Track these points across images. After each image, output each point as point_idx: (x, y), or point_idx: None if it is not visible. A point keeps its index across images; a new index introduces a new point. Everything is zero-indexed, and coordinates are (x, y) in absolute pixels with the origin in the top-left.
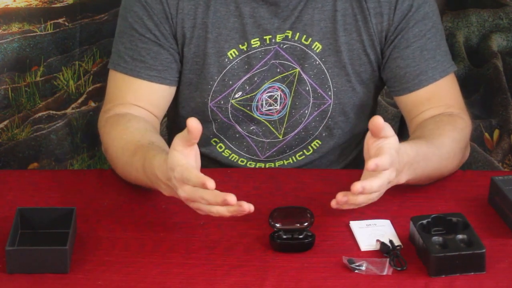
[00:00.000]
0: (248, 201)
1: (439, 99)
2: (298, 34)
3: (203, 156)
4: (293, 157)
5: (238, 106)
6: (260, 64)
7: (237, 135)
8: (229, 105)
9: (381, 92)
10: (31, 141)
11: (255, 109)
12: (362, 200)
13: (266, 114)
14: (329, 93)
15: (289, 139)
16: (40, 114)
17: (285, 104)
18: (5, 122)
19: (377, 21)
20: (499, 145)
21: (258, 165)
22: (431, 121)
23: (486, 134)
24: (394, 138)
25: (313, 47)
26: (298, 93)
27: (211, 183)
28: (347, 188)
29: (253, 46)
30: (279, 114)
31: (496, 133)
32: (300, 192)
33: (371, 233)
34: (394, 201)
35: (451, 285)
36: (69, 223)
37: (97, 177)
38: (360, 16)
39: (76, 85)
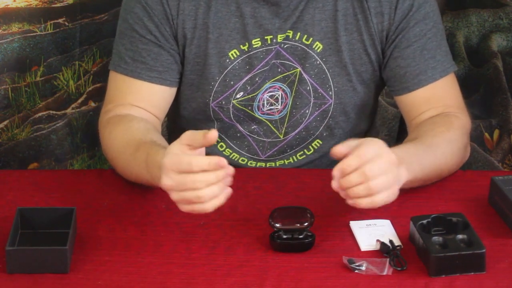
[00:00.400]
0: (249, 201)
1: (438, 99)
2: (299, 34)
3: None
4: (294, 156)
5: (239, 106)
6: (261, 64)
7: (238, 135)
8: (231, 105)
9: (381, 92)
10: (31, 141)
11: (256, 109)
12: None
13: (267, 114)
14: (330, 93)
15: (290, 139)
16: (40, 114)
17: (286, 104)
18: (5, 122)
19: (378, 20)
20: (499, 145)
21: (258, 164)
22: (426, 123)
23: (486, 134)
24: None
25: (314, 47)
26: (299, 93)
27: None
28: None
29: (254, 46)
30: (280, 114)
31: (496, 133)
32: (300, 192)
33: (371, 233)
34: (394, 201)
35: (451, 285)
36: (69, 223)
37: (97, 177)
38: (361, 16)
39: (76, 85)
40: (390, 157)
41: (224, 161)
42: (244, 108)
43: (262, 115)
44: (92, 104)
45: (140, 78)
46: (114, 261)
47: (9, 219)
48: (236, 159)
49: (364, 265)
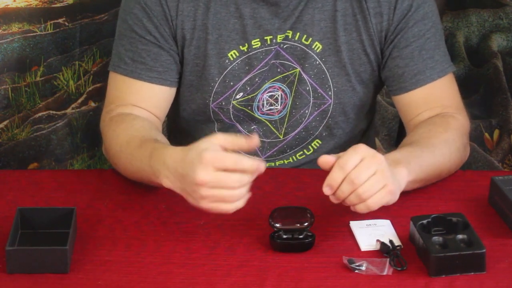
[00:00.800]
0: (249, 201)
1: (436, 99)
2: (298, 34)
3: None
4: (294, 156)
5: (239, 107)
6: (261, 64)
7: (238, 135)
8: (231, 106)
9: (381, 92)
10: (31, 141)
11: (256, 109)
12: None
13: (267, 114)
14: (329, 93)
15: (290, 139)
16: (40, 114)
17: (286, 104)
18: (5, 122)
19: (377, 21)
20: (499, 145)
21: None
22: (423, 124)
23: (486, 134)
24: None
25: (313, 47)
26: (299, 93)
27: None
28: None
29: (253, 46)
30: (280, 114)
31: (496, 133)
32: (300, 192)
33: (371, 233)
34: None
35: (451, 285)
36: (69, 223)
37: (97, 177)
38: (360, 16)
39: (76, 85)
40: (374, 157)
41: (264, 166)
42: (244, 109)
43: (262, 115)
44: (92, 104)
45: (140, 79)
46: (114, 261)
47: (9, 219)
48: None
49: (364, 265)
